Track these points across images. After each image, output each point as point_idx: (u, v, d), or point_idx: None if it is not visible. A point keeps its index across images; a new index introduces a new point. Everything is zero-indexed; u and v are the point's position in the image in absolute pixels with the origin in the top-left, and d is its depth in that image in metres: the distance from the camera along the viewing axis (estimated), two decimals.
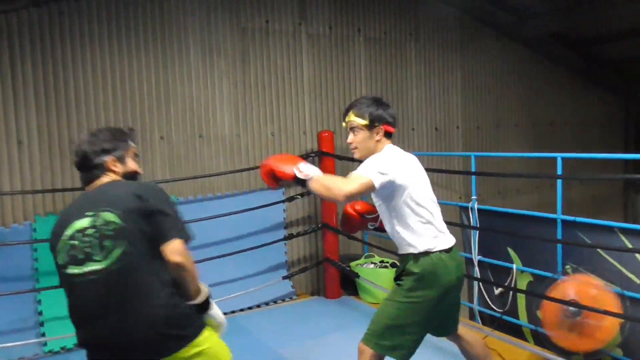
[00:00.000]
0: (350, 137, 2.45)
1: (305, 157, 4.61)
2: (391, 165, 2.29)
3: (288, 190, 4.74)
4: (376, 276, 4.44)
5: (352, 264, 4.68)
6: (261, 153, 4.68)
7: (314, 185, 2.22)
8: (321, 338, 3.77)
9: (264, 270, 4.57)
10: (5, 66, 3.69)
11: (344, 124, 2.50)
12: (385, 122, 2.41)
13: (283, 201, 4.61)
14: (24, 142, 3.77)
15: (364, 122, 2.39)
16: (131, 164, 2.11)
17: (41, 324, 3.72)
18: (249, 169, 4.53)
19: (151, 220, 1.85)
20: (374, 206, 2.55)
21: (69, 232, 1.87)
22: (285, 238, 4.62)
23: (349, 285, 4.70)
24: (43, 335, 3.67)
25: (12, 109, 3.73)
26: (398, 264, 2.60)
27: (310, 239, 4.89)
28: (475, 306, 4.15)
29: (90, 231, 1.83)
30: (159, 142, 4.27)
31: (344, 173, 4.87)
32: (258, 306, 4.47)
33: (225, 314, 4.33)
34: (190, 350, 1.86)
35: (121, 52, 4.08)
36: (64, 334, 3.65)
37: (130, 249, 1.81)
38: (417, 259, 2.32)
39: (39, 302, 3.74)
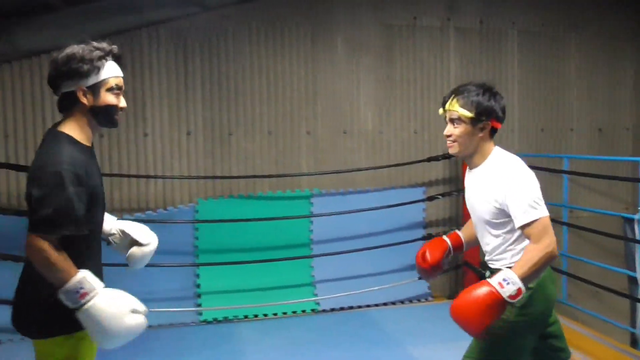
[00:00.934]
0: (449, 129, 2.03)
1: (449, 156, 4.49)
2: (537, 187, 1.94)
3: (429, 190, 4.67)
4: None
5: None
6: (402, 150, 4.68)
7: (528, 280, 1.84)
8: (453, 343, 3.63)
9: (400, 268, 4.56)
10: (179, 64, 4.20)
11: (440, 112, 2.09)
12: (494, 116, 1.99)
13: (424, 200, 4.55)
14: (192, 132, 4.24)
15: (469, 114, 1.96)
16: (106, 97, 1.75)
17: (198, 296, 4.16)
18: (390, 166, 4.55)
19: None
20: (444, 254, 2.25)
21: None
22: (424, 238, 4.55)
23: None
24: (199, 305, 4.11)
25: (183, 102, 4.22)
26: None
27: None
28: (639, 331, 3.69)
29: None
30: (305, 136, 4.49)
31: None
32: (393, 303, 4.47)
33: (359, 307, 4.46)
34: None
35: (275, 51, 4.38)
36: (218, 306, 4.07)
37: None
38: None
39: (198, 276, 4.18)
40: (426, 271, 2.30)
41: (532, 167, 2.04)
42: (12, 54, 3.86)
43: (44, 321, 1.68)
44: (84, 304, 1.60)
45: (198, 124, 4.27)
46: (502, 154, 2.04)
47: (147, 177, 4.15)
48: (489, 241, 2.05)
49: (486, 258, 2.11)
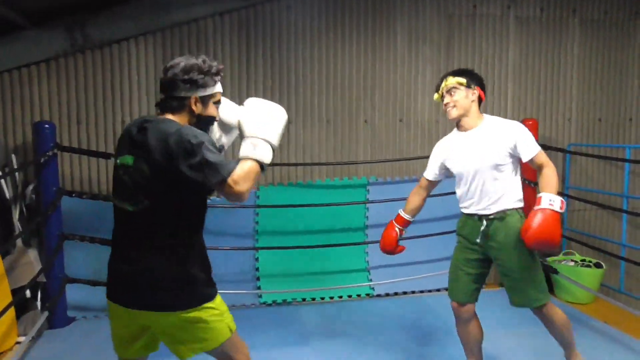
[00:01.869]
0: (447, 99, 2.60)
1: None
2: None
3: None
4: (577, 275, 4.19)
5: (550, 259, 4.47)
6: None
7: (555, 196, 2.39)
8: (510, 329, 3.71)
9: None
10: (242, 54, 4.29)
11: (436, 97, 2.69)
12: (481, 85, 2.62)
13: None
14: None
15: (463, 80, 2.57)
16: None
17: (257, 279, 4.30)
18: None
19: None
20: (397, 236, 3.03)
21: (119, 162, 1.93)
22: None
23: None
24: (259, 288, 4.26)
25: (245, 91, 4.31)
26: (486, 222, 2.64)
27: None
28: None
29: None
30: (363, 125, 4.55)
31: None
32: (446, 289, 4.53)
33: (413, 292, 4.54)
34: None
35: (336, 41, 4.42)
36: (276, 289, 4.21)
37: None
38: (521, 215, 2.58)
39: (257, 259, 4.33)
40: (390, 252, 3.07)
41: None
42: (85, 45, 4.01)
43: (186, 295, 1.84)
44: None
45: None
46: (494, 117, 2.66)
47: None
48: (490, 188, 2.57)
49: (479, 207, 2.64)
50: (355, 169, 4.55)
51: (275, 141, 1.90)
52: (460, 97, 2.57)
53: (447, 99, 2.60)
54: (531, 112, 4.77)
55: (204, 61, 1.89)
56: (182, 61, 1.87)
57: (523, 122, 4.43)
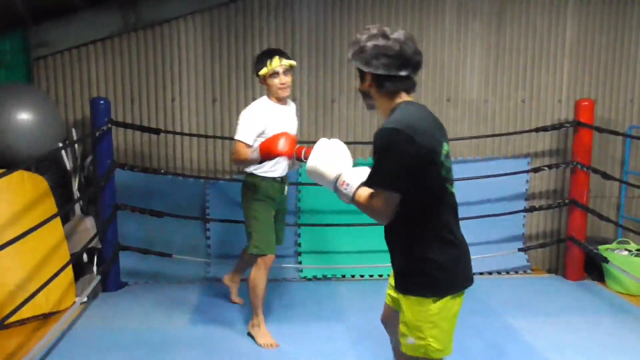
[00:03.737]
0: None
1: (558, 127, 4.31)
2: None
3: (534, 161, 4.53)
4: (630, 265, 3.98)
5: (601, 247, 4.27)
6: (508, 120, 4.54)
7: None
8: (556, 317, 3.61)
9: (499, 239, 4.51)
10: (287, 33, 4.33)
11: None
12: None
13: (527, 171, 4.43)
14: (297, 99, 4.38)
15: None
16: None
17: (299, 254, 4.40)
18: (494, 135, 4.46)
19: None
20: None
21: (444, 150, 1.77)
22: (526, 210, 4.44)
23: (594, 269, 4.31)
24: (300, 263, 4.35)
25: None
26: None
27: (553, 214, 4.61)
28: None
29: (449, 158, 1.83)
30: None
31: (602, 146, 4.44)
32: (489, 273, 4.46)
33: None
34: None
35: (382, 16, 4.35)
36: (316, 264, 4.30)
37: None
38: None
39: (299, 235, 4.41)
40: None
41: None
42: (137, 24, 4.19)
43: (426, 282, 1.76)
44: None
45: (303, 91, 4.40)
46: None
47: None
48: None
49: (282, 171, 3.16)
50: None
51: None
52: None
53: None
54: (589, 92, 4.52)
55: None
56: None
57: (578, 102, 4.25)
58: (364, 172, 1.80)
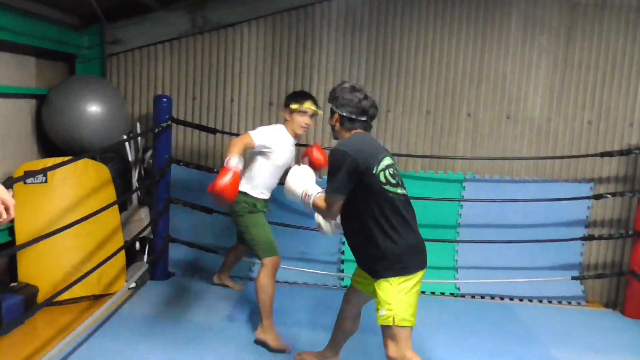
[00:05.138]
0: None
1: (627, 152, 4.05)
2: None
3: (597, 187, 4.28)
4: None
5: None
6: (572, 141, 4.31)
7: None
8: (606, 355, 3.37)
9: (552, 265, 4.29)
10: (346, 41, 4.35)
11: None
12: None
13: (590, 197, 4.18)
14: None
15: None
16: None
17: (342, 262, 4.39)
18: (555, 157, 4.25)
19: None
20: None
21: (382, 164, 2.35)
22: (584, 238, 4.20)
23: None
24: (342, 271, 4.34)
25: (347, 74, 4.37)
26: None
27: (615, 245, 4.33)
28: None
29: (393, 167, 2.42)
30: (465, 118, 4.38)
31: None
32: (540, 301, 4.25)
33: (501, 298, 4.33)
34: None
35: (443, 28, 4.29)
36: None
37: None
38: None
39: (343, 243, 4.41)
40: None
41: None
42: (204, 27, 4.36)
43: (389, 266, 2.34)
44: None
45: None
46: None
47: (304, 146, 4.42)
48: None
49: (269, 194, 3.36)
50: (453, 163, 4.40)
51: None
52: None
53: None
54: None
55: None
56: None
57: None
58: (313, 182, 2.53)
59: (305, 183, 2.50)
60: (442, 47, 4.31)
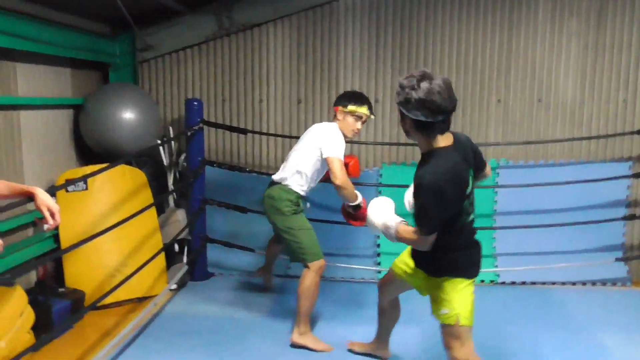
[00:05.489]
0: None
1: None
2: None
3: (636, 165, 4.18)
4: None
5: None
6: (607, 122, 4.23)
7: None
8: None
9: (594, 248, 4.20)
10: (371, 35, 4.35)
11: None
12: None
13: (629, 177, 4.10)
14: (379, 100, 4.39)
15: None
16: None
17: (378, 255, 4.39)
18: (590, 138, 4.19)
19: None
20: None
21: (469, 189, 2.19)
22: (626, 218, 4.11)
23: None
24: (379, 264, 4.34)
25: (373, 72, 4.38)
26: None
27: None
28: None
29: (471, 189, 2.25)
30: (495, 105, 4.33)
31: None
32: (583, 284, 4.16)
33: (543, 284, 4.26)
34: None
35: (469, 15, 4.26)
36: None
37: None
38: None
39: (378, 236, 4.40)
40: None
41: None
42: (230, 28, 4.42)
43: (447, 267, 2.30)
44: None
45: (386, 92, 4.40)
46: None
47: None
48: None
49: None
50: (485, 150, 4.35)
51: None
52: None
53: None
54: None
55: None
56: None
57: None
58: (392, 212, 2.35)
59: (385, 214, 2.32)
60: (469, 37, 4.27)
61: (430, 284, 2.37)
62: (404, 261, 2.55)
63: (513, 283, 4.19)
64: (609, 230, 4.17)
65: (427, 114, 2.02)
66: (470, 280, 2.31)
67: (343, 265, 4.25)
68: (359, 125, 3.11)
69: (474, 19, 4.25)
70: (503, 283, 4.20)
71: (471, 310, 2.30)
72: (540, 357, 3.02)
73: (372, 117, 3.20)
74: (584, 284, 4.16)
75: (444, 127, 2.10)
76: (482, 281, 4.23)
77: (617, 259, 4.11)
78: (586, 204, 4.19)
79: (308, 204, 3.38)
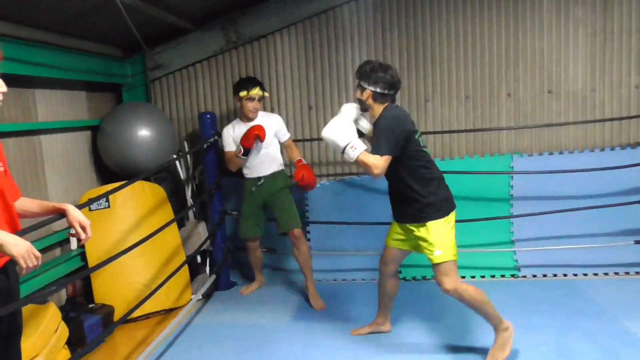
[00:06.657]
0: None
1: None
2: None
3: None
4: None
5: None
6: (620, 108, 4.21)
7: None
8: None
9: (613, 232, 4.15)
10: (377, 37, 4.40)
11: None
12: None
13: None
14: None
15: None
16: None
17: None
18: (604, 120, 4.19)
19: None
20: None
21: (417, 134, 2.84)
22: None
23: None
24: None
25: None
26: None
27: None
28: None
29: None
30: (505, 99, 4.34)
31: None
32: (605, 274, 4.12)
33: (564, 275, 4.22)
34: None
35: (474, 14, 4.27)
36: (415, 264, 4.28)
37: None
38: None
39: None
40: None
41: None
42: (237, 41, 4.50)
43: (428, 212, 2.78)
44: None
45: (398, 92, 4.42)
46: None
47: None
48: None
49: None
50: (498, 144, 4.37)
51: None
52: None
53: None
54: None
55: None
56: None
57: None
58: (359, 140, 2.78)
59: (350, 135, 2.74)
60: (475, 32, 4.29)
61: (420, 235, 2.79)
62: (393, 233, 3.02)
63: (534, 275, 4.19)
64: (628, 215, 4.14)
65: (383, 87, 2.79)
66: (449, 216, 2.77)
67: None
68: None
69: (479, 15, 4.26)
70: (524, 276, 4.19)
71: (455, 245, 2.77)
72: (567, 346, 3.02)
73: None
74: (606, 273, 4.11)
75: (393, 99, 2.87)
76: (503, 276, 4.23)
77: (637, 242, 4.07)
78: (603, 191, 4.17)
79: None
